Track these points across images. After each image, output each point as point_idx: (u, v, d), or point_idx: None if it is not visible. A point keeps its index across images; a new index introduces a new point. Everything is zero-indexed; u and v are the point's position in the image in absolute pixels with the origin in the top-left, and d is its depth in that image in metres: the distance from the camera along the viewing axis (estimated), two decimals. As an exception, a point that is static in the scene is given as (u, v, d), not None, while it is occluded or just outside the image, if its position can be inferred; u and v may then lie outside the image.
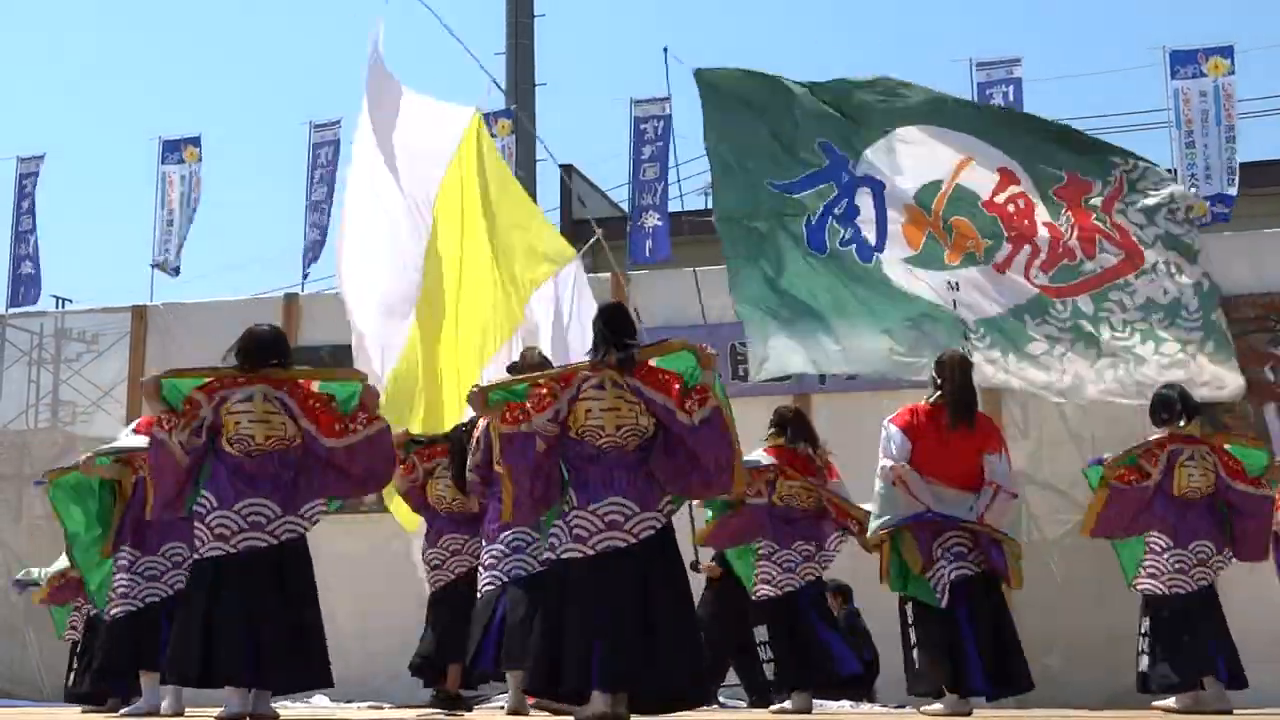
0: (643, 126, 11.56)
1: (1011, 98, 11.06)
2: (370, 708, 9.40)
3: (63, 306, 13.93)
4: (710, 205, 18.85)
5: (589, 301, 9.10)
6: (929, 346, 8.13)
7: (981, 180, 8.47)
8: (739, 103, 8.72)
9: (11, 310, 12.81)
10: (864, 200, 8.56)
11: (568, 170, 17.18)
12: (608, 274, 11.67)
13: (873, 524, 7.01)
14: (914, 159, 8.57)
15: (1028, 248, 8.36)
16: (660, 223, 11.43)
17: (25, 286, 12.91)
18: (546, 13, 16.07)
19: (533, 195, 15.80)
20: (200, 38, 39.87)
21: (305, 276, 12.37)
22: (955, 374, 6.94)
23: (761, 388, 10.13)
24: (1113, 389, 8.01)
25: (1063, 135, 8.67)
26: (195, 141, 12.77)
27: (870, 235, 8.45)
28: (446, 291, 8.63)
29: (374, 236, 8.72)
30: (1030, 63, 11.08)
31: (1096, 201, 8.34)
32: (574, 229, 17.20)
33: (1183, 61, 10.59)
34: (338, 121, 12.53)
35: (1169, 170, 10.60)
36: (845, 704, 8.69)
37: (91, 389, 12.22)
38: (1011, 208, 8.44)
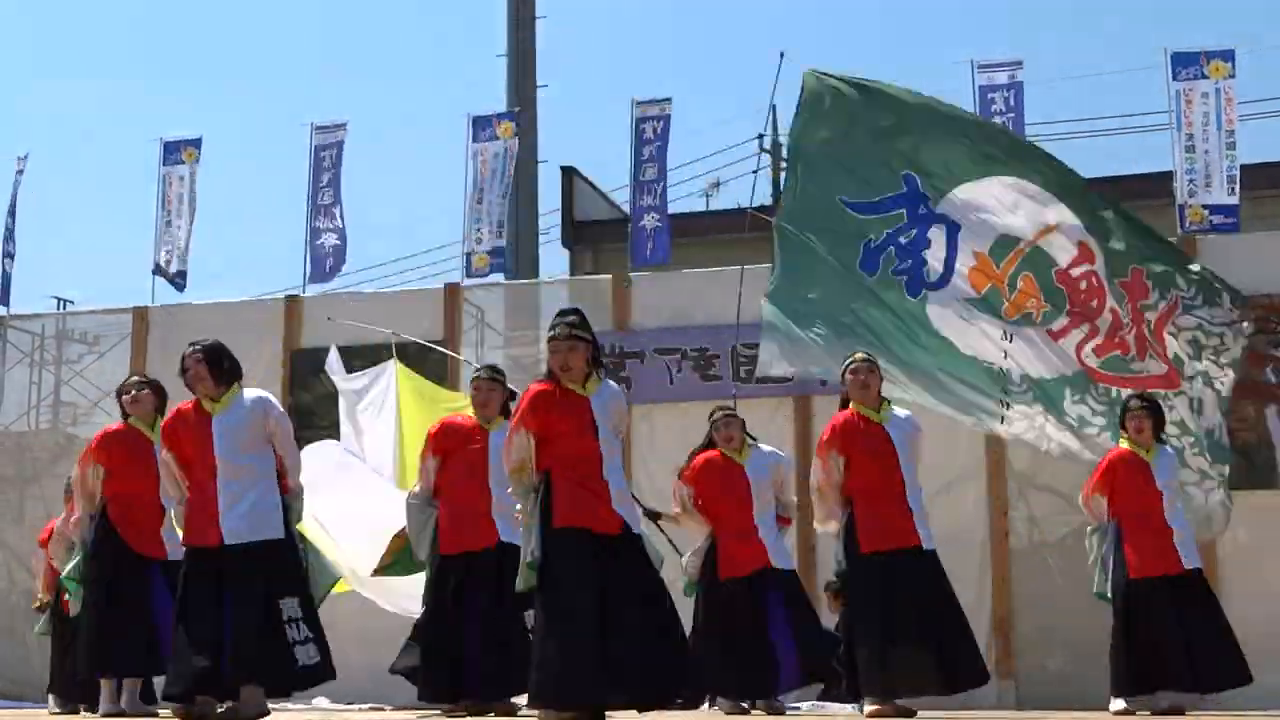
0: (643, 127, 11.56)
1: (1013, 100, 11.06)
2: (371, 709, 9.41)
3: (64, 308, 13.93)
4: (708, 209, 18.96)
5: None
6: (950, 398, 8.26)
7: (1060, 249, 8.50)
8: (837, 112, 8.75)
9: (13, 312, 12.81)
10: (935, 236, 8.55)
11: (569, 173, 17.21)
12: (608, 276, 11.69)
13: None
14: (1001, 210, 8.57)
15: (1085, 327, 8.40)
16: (660, 224, 11.42)
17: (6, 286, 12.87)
18: (547, 14, 16.07)
19: (533, 198, 15.87)
20: (201, 38, 39.92)
21: (334, 275, 12.32)
22: None
23: (762, 389, 10.16)
24: None
25: (1145, 231, 8.72)
26: (196, 143, 12.77)
27: (928, 272, 8.47)
28: None
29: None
30: (1032, 65, 11.07)
31: (1150, 316, 8.40)
32: (575, 231, 17.27)
33: (1184, 63, 10.57)
34: (343, 124, 12.53)
35: (1170, 173, 10.67)
36: (847, 707, 8.69)
37: (93, 390, 12.23)
38: (1084, 284, 8.48)
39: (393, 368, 9.66)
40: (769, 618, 8.03)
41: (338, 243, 12.19)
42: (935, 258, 8.49)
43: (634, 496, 7.28)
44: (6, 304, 12.83)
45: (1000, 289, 8.45)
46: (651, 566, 5.84)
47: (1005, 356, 8.28)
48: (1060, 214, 8.51)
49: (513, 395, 7.68)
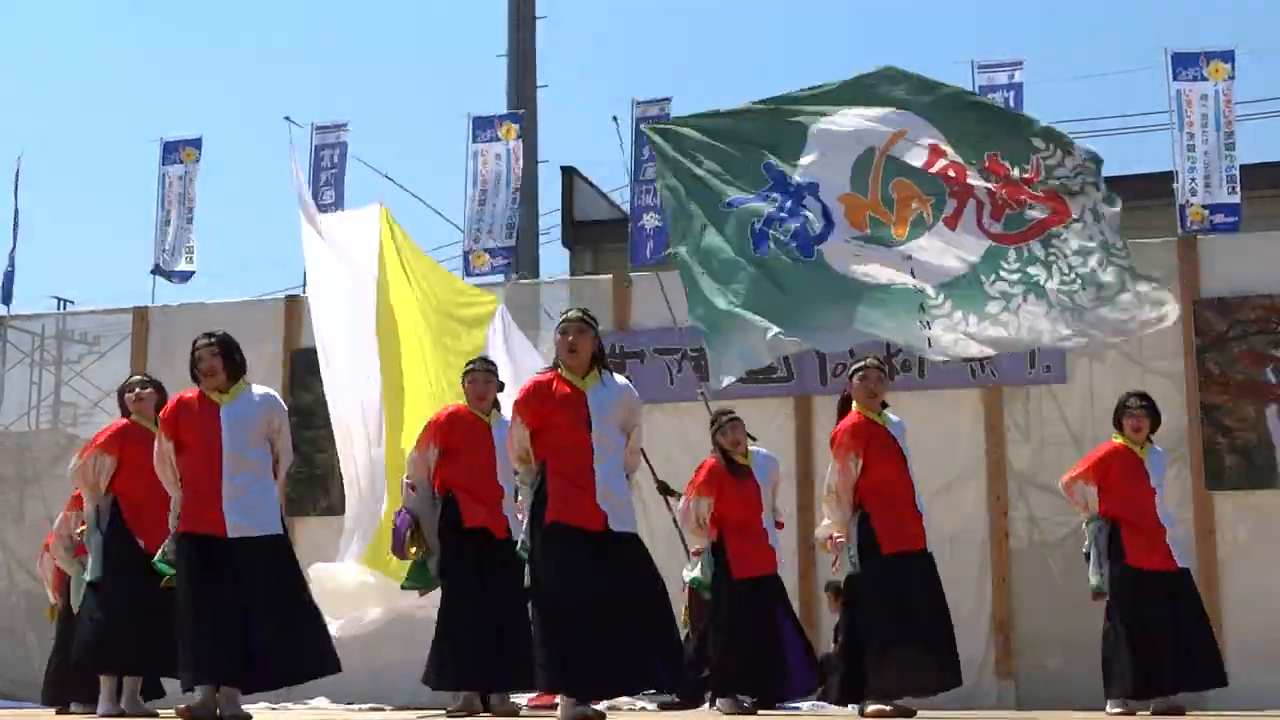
0: (643, 127, 11.57)
1: (1013, 101, 11.07)
2: (371, 709, 9.40)
3: (64, 308, 13.93)
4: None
5: (518, 337, 9.51)
6: (880, 323, 8.12)
7: (913, 151, 8.38)
8: (689, 148, 8.79)
9: (13, 312, 12.81)
10: (808, 199, 8.52)
11: (569, 173, 17.21)
12: (608, 276, 11.69)
13: None
14: (846, 139, 8.48)
15: (972, 201, 8.26)
16: (660, 224, 11.42)
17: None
18: (547, 14, 16.03)
19: (533, 198, 15.86)
20: (201, 38, 39.93)
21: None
22: None
23: (761, 389, 10.16)
24: (1065, 336, 7.97)
25: (984, 115, 8.54)
26: (196, 143, 12.77)
27: (811, 228, 8.39)
28: (407, 391, 8.82)
29: (341, 356, 9.05)
30: (1032, 65, 11.06)
31: (1016, 175, 8.26)
32: (575, 231, 17.27)
33: (1184, 64, 10.59)
34: (343, 124, 12.52)
35: (1170, 173, 10.68)
36: (850, 707, 8.69)
37: (93, 390, 12.22)
38: (947, 173, 8.34)
39: (377, 216, 9.27)
40: (780, 620, 8.11)
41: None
42: (813, 215, 8.44)
43: (650, 465, 7.32)
44: (6, 304, 12.85)
45: (879, 214, 8.34)
46: (645, 564, 5.85)
47: (913, 275, 8.19)
48: (907, 121, 8.45)
49: (501, 388, 7.77)
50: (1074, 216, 8.00)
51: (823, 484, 8.62)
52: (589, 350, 5.93)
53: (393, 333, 8.85)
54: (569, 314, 6.06)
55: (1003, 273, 7.98)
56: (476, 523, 7.38)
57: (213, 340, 6.44)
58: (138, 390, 7.56)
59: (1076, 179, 8.05)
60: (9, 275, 12.81)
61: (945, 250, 8.07)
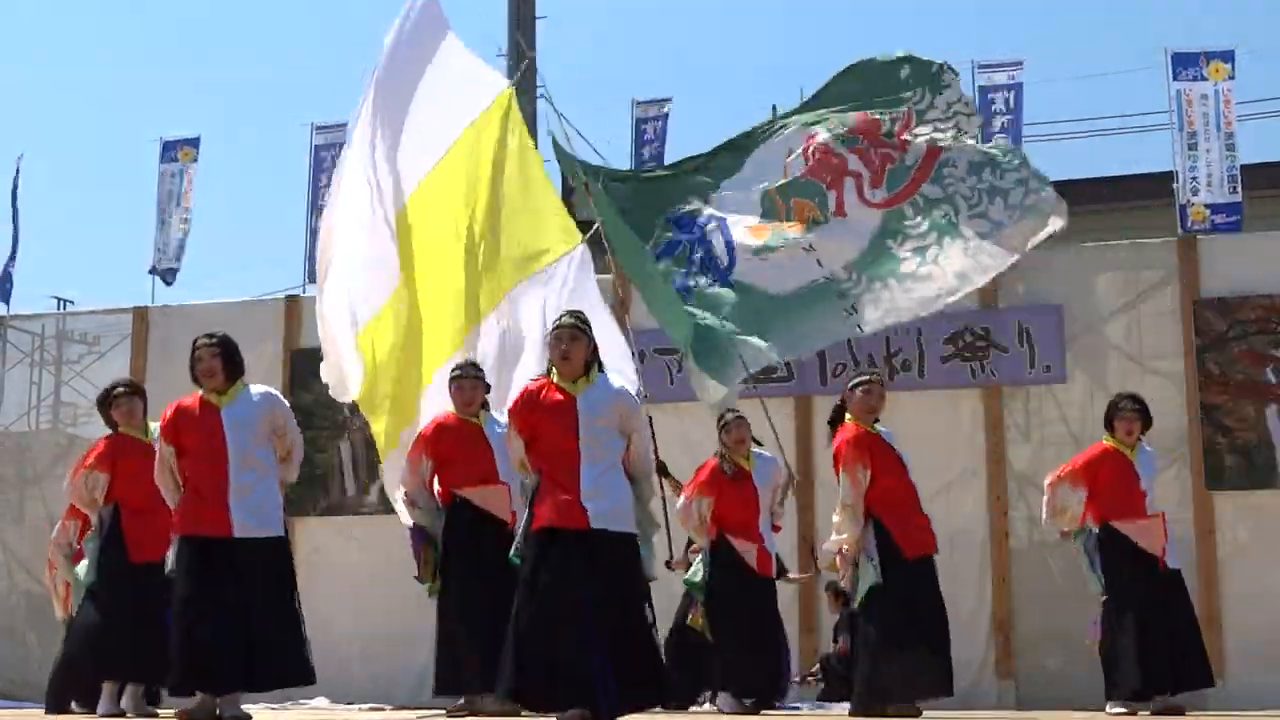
0: (643, 126, 11.58)
1: (1013, 101, 11.09)
2: (371, 709, 9.42)
3: (64, 308, 13.92)
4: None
5: (590, 286, 8.90)
6: (809, 325, 8.10)
7: (798, 155, 8.36)
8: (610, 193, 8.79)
9: (13, 312, 12.81)
10: (713, 235, 8.47)
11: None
12: (608, 276, 11.67)
13: None
14: (752, 179, 8.46)
15: (849, 179, 8.21)
16: (660, 224, 11.39)
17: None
18: (547, 14, 16.03)
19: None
20: (201, 38, 39.94)
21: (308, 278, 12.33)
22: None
23: (761, 389, 10.14)
24: (991, 264, 7.91)
25: (853, 73, 8.47)
26: (195, 143, 12.76)
27: (718, 261, 8.33)
28: (422, 266, 8.24)
29: (362, 201, 8.28)
30: (1032, 65, 11.08)
31: (889, 130, 8.20)
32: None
33: (1185, 64, 10.60)
34: (343, 124, 12.49)
35: (1170, 173, 10.69)
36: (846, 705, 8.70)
37: (93, 390, 12.19)
38: (817, 155, 8.27)
39: (499, 91, 8.76)
40: (773, 623, 8.22)
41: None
42: (719, 247, 8.38)
43: (656, 451, 7.32)
44: (6, 304, 12.86)
45: (781, 227, 8.30)
46: (631, 570, 5.78)
47: (820, 265, 8.13)
48: (788, 138, 8.44)
49: (488, 389, 7.76)
50: (948, 150, 7.98)
51: (822, 483, 8.66)
52: (582, 357, 5.86)
53: (449, 204, 8.39)
54: (561, 320, 5.96)
55: (908, 230, 7.96)
56: (489, 508, 7.39)
57: (214, 341, 6.48)
58: (125, 405, 7.57)
59: (949, 120, 8.03)
60: (9, 275, 12.83)
61: (843, 235, 8.07)
